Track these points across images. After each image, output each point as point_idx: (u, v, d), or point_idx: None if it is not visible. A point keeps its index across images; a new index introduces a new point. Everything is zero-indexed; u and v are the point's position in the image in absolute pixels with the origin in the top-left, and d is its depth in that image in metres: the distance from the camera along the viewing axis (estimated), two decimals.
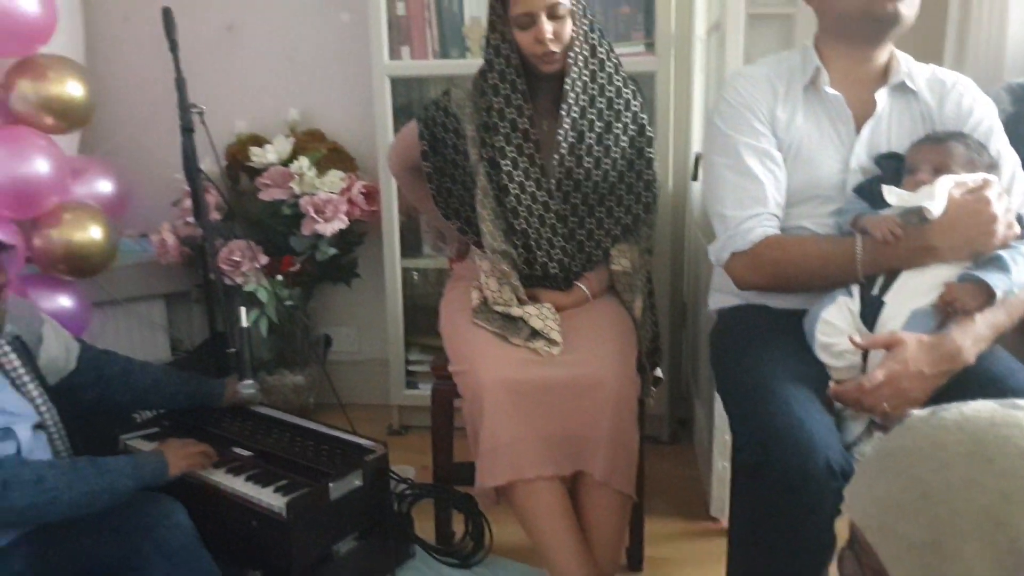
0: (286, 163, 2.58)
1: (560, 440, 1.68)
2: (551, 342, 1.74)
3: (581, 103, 1.79)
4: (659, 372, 1.99)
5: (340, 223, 2.53)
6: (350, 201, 2.57)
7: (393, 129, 2.52)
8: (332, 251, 2.60)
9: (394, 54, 2.52)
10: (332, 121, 2.79)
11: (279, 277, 2.55)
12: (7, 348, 1.64)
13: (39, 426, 1.64)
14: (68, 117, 2.37)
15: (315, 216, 2.50)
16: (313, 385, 2.73)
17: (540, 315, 1.77)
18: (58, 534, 1.57)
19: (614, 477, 1.67)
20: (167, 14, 2.12)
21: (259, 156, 2.59)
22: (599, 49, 1.80)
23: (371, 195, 2.63)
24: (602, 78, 1.81)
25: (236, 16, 2.82)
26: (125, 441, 1.88)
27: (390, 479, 1.81)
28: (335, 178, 2.56)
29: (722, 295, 1.68)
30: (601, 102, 1.81)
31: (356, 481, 1.69)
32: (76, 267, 2.38)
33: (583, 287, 1.88)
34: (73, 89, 2.35)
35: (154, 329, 2.80)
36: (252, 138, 2.70)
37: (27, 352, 1.69)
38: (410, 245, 2.69)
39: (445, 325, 1.93)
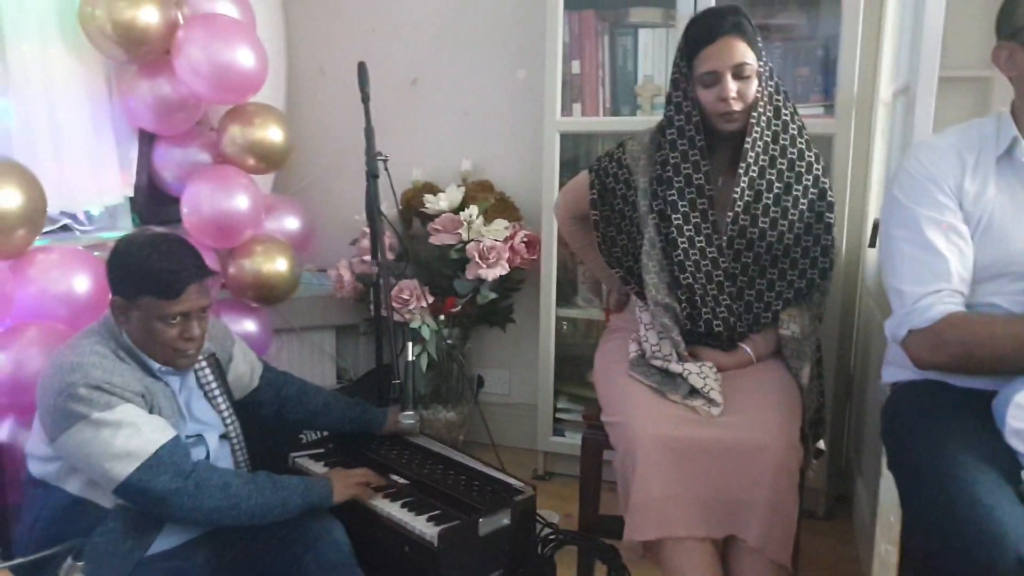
0: (456, 210, 2.72)
1: (714, 502, 1.63)
2: (711, 402, 1.71)
3: (761, 163, 1.78)
4: (821, 444, 1.90)
5: (502, 269, 2.62)
6: (512, 249, 2.66)
7: (559, 182, 2.60)
8: (492, 295, 2.69)
9: (565, 110, 2.62)
10: (500, 172, 2.91)
11: (442, 317, 2.67)
12: (204, 364, 1.81)
13: (224, 436, 1.80)
14: (268, 159, 2.61)
15: (479, 261, 2.61)
16: (464, 422, 2.81)
17: (701, 373, 1.75)
18: (234, 537, 1.70)
19: (770, 546, 1.60)
20: (362, 68, 2.32)
21: (432, 203, 2.74)
22: (783, 111, 1.79)
23: (532, 244, 2.71)
24: (784, 139, 1.79)
25: (421, 71, 3.02)
26: (294, 458, 2.00)
27: (536, 522, 1.82)
28: (500, 226, 2.67)
29: (898, 368, 1.59)
30: (782, 163, 1.79)
31: (504, 520, 1.71)
32: (262, 295, 2.60)
33: (747, 349, 1.85)
34: (274, 134, 2.59)
35: (323, 357, 2.99)
36: (427, 186, 2.87)
37: (219, 368, 1.86)
38: (564, 295, 2.74)
39: (599, 375, 1.94)
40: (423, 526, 1.65)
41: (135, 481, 1.50)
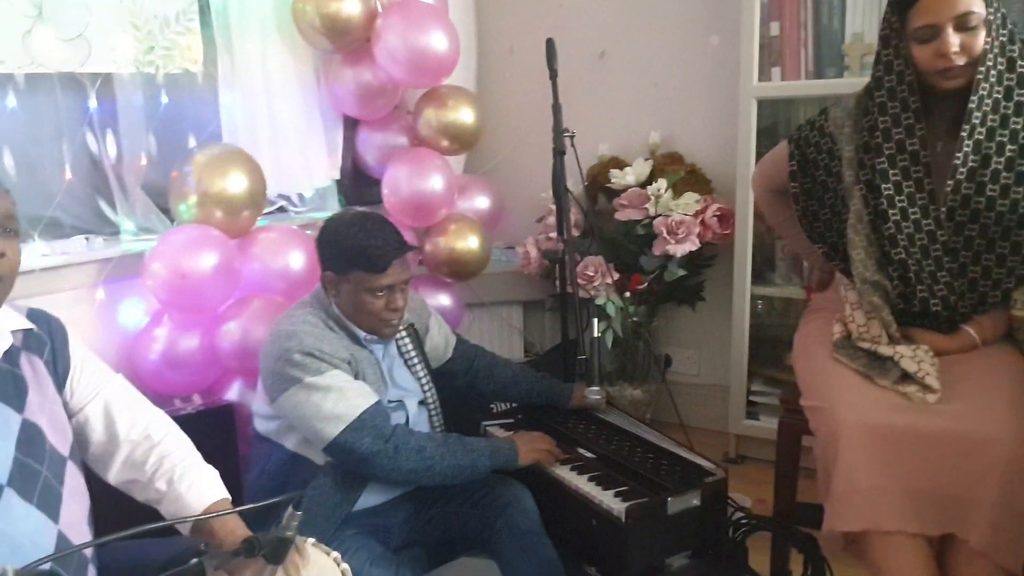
0: (643, 184, 2.66)
1: (929, 496, 1.49)
2: (926, 388, 1.56)
3: (990, 123, 1.58)
4: None
5: (691, 245, 2.54)
6: (703, 223, 2.57)
7: (756, 152, 2.47)
8: (680, 272, 2.62)
9: (763, 75, 2.48)
10: (692, 144, 2.81)
11: (627, 294, 2.64)
12: (404, 334, 1.92)
13: (422, 403, 1.89)
14: (461, 140, 2.70)
15: (667, 237, 2.55)
16: (651, 401, 2.77)
17: (914, 357, 1.60)
18: (431, 499, 1.80)
19: (998, 549, 1.44)
20: (550, 44, 2.32)
21: (618, 178, 2.70)
22: (1020, 63, 1.58)
23: (725, 218, 2.60)
24: (1021, 95, 1.58)
25: (608, 43, 2.98)
26: (485, 426, 2.07)
27: (728, 505, 1.76)
28: (690, 200, 2.58)
29: None
30: (1016, 123, 1.58)
31: (694, 500, 1.67)
32: (456, 271, 2.70)
33: (971, 331, 1.66)
34: (466, 116, 2.67)
35: (511, 332, 3.07)
36: (613, 160, 2.83)
37: (418, 338, 1.96)
38: (760, 272, 2.61)
39: (799, 357, 1.83)
40: (610, 501, 1.65)
41: (341, 442, 1.62)
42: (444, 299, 2.74)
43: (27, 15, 1.85)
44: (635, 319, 2.67)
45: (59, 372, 1.37)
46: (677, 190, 2.62)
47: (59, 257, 1.99)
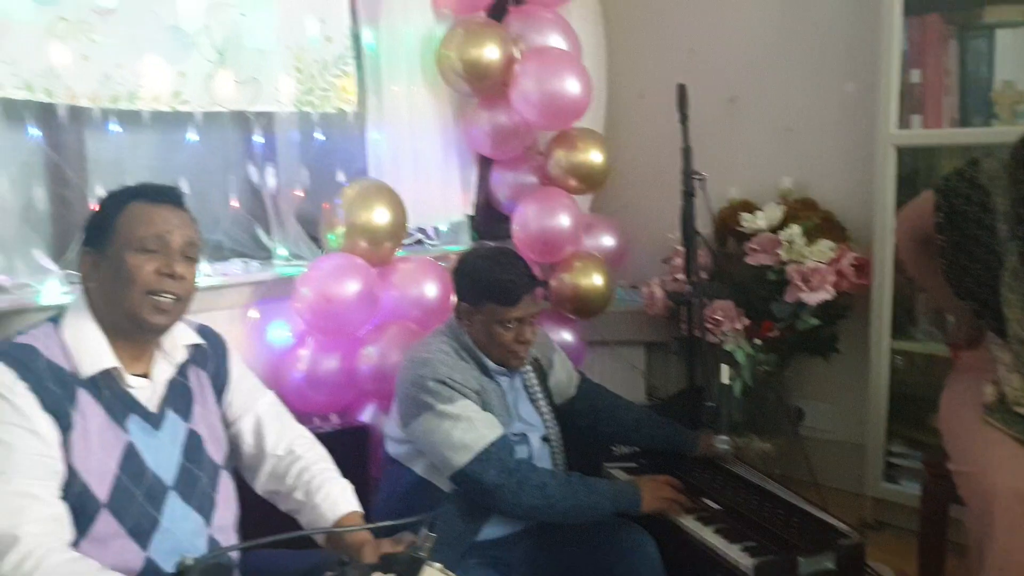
0: (775, 230, 2.62)
1: None
2: None
3: None
4: None
5: (826, 294, 2.46)
6: (838, 272, 2.49)
7: (895, 201, 2.39)
8: (814, 321, 2.54)
9: (903, 123, 2.40)
10: (826, 190, 2.74)
11: (757, 341, 2.58)
12: (529, 368, 1.96)
13: (545, 439, 1.92)
14: (589, 180, 2.76)
15: (800, 284, 2.48)
16: (780, 456, 2.67)
17: None
18: (552, 536, 1.81)
19: None
20: (682, 90, 2.33)
21: (749, 222, 2.66)
22: None
23: (862, 268, 2.51)
24: None
25: (739, 88, 2.96)
26: (607, 468, 2.07)
27: (866, 574, 1.68)
28: (825, 247, 2.51)
29: None
30: None
31: (827, 563, 1.60)
32: (579, 308, 2.73)
33: None
34: (595, 157, 2.73)
35: (633, 373, 3.05)
36: (743, 204, 2.80)
37: (542, 373, 1.99)
38: (900, 326, 2.50)
39: (947, 419, 1.74)
40: (737, 555, 1.61)
41: (468, 471, 1.66)
42: (567, 335, 2.77)
43: (210, 60, 2.05)
44: (765, 368, 2.60)
45: (219, 385, 1.49)
46: (810, 237, 2.55)
47: (220, 278, 2.17)
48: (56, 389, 1.24)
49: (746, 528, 1.70)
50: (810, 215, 2.64)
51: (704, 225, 2.47)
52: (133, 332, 1.33)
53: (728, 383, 2.10)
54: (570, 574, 1.79)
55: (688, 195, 2.29)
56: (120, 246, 1.30)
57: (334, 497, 1.47)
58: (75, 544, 1.22)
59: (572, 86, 2.57)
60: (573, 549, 1.79)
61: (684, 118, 2.32)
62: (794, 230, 2.55)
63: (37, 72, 1.74)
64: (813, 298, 2.47)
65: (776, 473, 2.65)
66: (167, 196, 1.37)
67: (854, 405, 2.64)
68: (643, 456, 2.13)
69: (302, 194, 2.38)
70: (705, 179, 2.29)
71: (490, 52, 2.56)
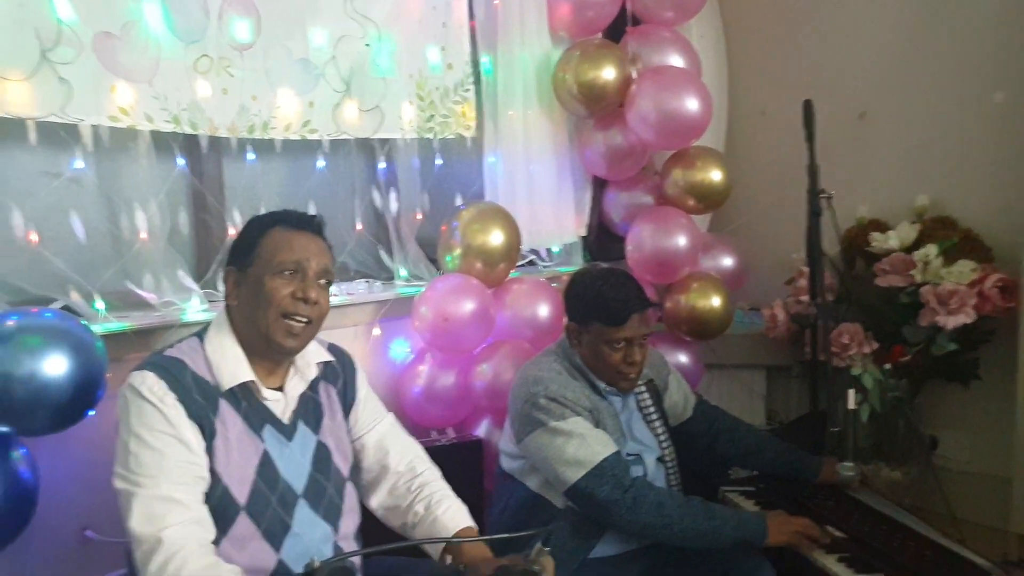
0: (908, 249, 2.48)
1: None
2: None
3: None
4: None
5: (966, 317, 2.30)
6: (981, 294, 2.32)
7: None
8: (952, 346, 2.38)
9: None
10: (968, 208, 2.57)
11: (887, 366, 2.44)
12: (643, 388, 1.94)
13: (660, 459, 1.89)
14: (707, 200, 2.71)
15: (937, 307, 2.33)
16: (911, 485, 2.51)
17: None
18: (667, 557, 1.77)
19: None
20: (808, 106, 2.26)
21: (879, 241, 2.54)
22: None
23: (1008, 290, 2.33)
24: None
25: (870, 103, 2.84)
26: (724, 492, 2.02)
27: None
28: (965, 268, 2.35)
29: None
30: None
31: None
32: (696, 330, 2.68)
33: None
34: (714, 176, 2.69)
35: (752, 397, 2.96)
36: (873, 223, 2.67)
37: (657, 394, 1.97)
38: None
39: None
40: None
41: (581, 487, 1.66)
42: (683, 358, 2.73)
43: (337, 90, 2.17)
44: (896, 394, 2.45)
45: (347, 402, 1.57)
46: (948, 257, 2.40)
47: (345, 297, 2.28)
48: (201, 399, 1.34)
49: (873, 559, 1.61)
50: (948, 234, 2.48)
51: (831, 245, 2.39)
52: (267, 352, 1.41)
53: (854, 408, 2.00)
54: None
55: (814, 214, 2.22)
56: (261, 268, 1.39)
57: (454, 511, 1.52)
58: (216, 543, 1.30)
59: (691, 104, 2.55)
60: (688, 571, 1.75)
61: (810, 135, 2.25)
62: (930, 250, 2.41)
63: (183, 106, 1.88)
64: (951, 321, 2.31)
65: (906, 503, 2.50)
66: (308, 224, 1.45)
67: (997, 435, 2.44)
68: (762, 480, 2.06)
69: (421, 217, 2.47)
70: (832, 197, 2.21)
71: (607, 73, 2.57)
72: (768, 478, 2.04)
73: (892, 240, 2.52)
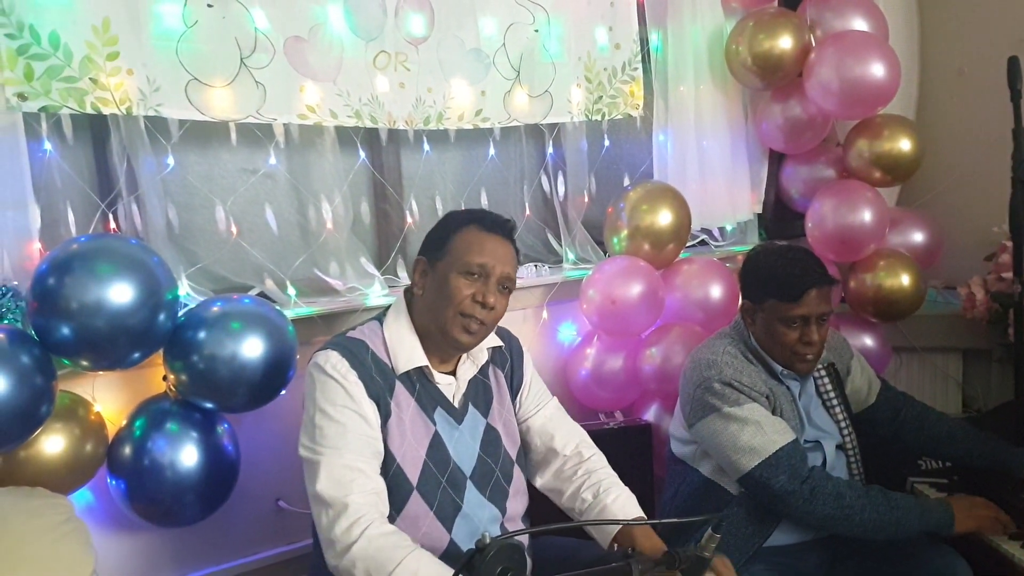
0: None
1: None
2: None
3: None
4: None
5: None
6: None
7: None
8: None
9: None
10: None
11: None
12: (823, 372, 1.85)
13: (840, 447, 1.81)
14: (895, 171, 2.53)
15: None
16: None
17: None
18: (848, 549, 1.70)
19: None
20: (1013, 62, 2.05)
21: None
22: None
23: None
24: None
25: None
26: (912, 483, 1.90)
27: None
28: None
29: None
30: None
31: None
32: (883, 311, 2.52)
33: None
34: (903, 145, 2.50)
35: (947, 382, 2.74)
36: None
37: (838, 379, 1.88)
38: None
39: None
40: None
41: (756, 476, 1.62)
42: (868, 340, 2.57)
43: (507, 77, 2.22)
44: None
45: (514, 385, 1.62)
46: None
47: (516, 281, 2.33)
48: (379, 380, 1.42)
49: None
50: None
51: None
52: (441, 343, 1.47)
53: None
54: None
55: (1020, 183, 2.02)
56: (449, 265, 1.45)
57: (623, 501, 1.51)
58: (391, 520, 1.38)
59: (876, 70, 2.37)
60: (873, 564, 1.67)
61: (1017, 95, 2.04)
62: None
63: (364, 101, 1.99)
64: None
65: None
66: (501, 228, 1.49)
67: None
68: (956, 472, 1.92)
69: (587, 200, 2.48)
70: None
71: (783, 42, 2.46)
72: (963, 470, 1.90)
73: None
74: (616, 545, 1.44)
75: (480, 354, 1.56)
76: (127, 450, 1.64)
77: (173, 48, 1.72)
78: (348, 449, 1.34)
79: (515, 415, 1.61)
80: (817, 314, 1.68)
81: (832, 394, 1.84)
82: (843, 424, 1.82)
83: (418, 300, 1.50)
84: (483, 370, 1.57)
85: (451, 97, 2.13)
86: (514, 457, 1.57)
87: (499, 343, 1.61)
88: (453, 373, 1.52)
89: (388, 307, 1.55)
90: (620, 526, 1.44)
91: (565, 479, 1.58)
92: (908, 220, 2.67)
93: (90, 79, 1.62)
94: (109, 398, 1.74)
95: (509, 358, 1.62)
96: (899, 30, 2.73)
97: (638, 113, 2.51)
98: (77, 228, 1.73)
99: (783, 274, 1.68)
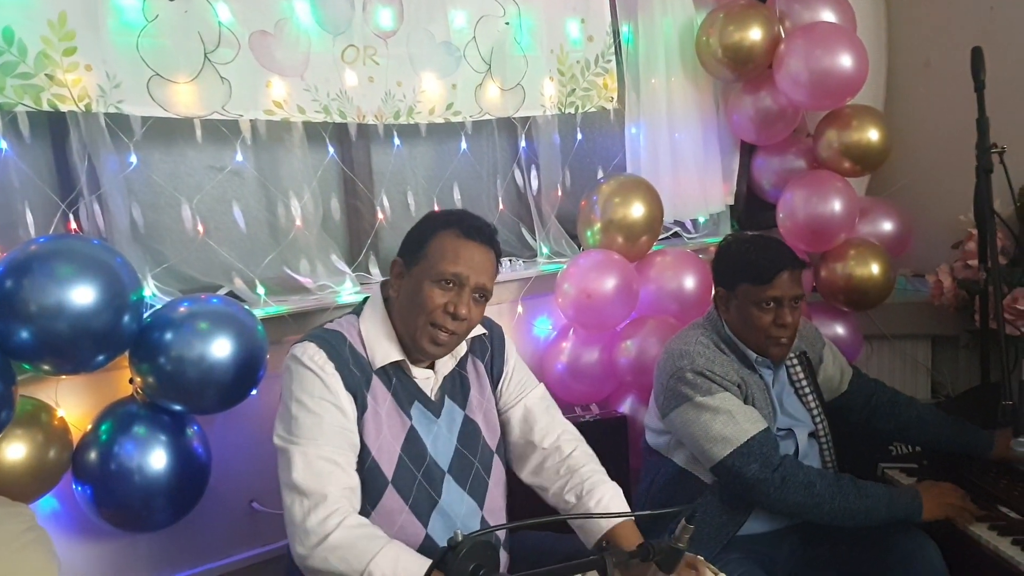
0: None
1: None
2: None
3: None
4: None
5: None
6: None
7: None
8: None
9: None
10: None
11: None
12: (795, 361, 1.87)
13: (812, 435, 1.83)
14: (864, 161, 2.55)
15: None
16: None
17: None
18: (820, 535, 1.72)
19: None
20: (977, 54, 2.08)
21: None
22: None
23: None
24: None
25: None
26: (883, 468, 1.92)
27: None
28: None
29: None
30: None
31: None
32: (853, 300, 2.54)
33: None
34: (872, 135, 2.52)
35: (917, 368, 2.78)
36: None
37: (810, 367, 1.90)
38: None
39: None
40: None
41: (728, 464, 1.63)
42: (839, 329, 2.60)
43: (479, 71, 2.20)
44: None
45: (495, 374, 1.60)
46: None
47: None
48: (357, 372, 1.41)
49: None
50: None
51: (1003, 205, 2.20)
52: (411, 348, 1.45)
53: None
54: (842, 573, 1.69)
55: (984, 171, 2.06)
56: (423, 271, 1.42)
57: (606, 502, 1.48)
58: (366, 514, 1.37)
59: (844, 61, 2.38)
60: (844, 549, 1.69)
61: (980, 86, 2.08)
62: None
63: (332, 96, 1.96)
64: None
65: None
66: (479, 233, 1.45)
67: None
68: (925, 457, 1.95)
69: (560, 194, 2.47)
70: (1004, 152, 2.05)
71: (753, 34, 2.46)
72: (932, 454, 1.93)
73: None
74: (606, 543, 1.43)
75: (460, 348, 1.53)
76: (93, 455, 1.61)
77: (133, 43, 1.68)
78: (325, 440, 1.34)
79: (496, 405, 1.59)
80: (790, 296, 1.69)
81: (804, 383, 1.86)
82: (815, 412, 1.84)
83: (393, 301, 1.48)
84: (461, 362, 1.55)
85: (421, 91, 2.11)
86: (494, 448, 1.55)
87: (481, 331, 1.58)
88: (431, 366, 1.50)
89: (366, 299, 1.52)
90: (604, 530, 1.43)
91: (547, 476, 1.56)
92: (877, 209, 2.69)
93: (46, 75, 1.57)
94: (73, 402, 1.70)
95: (490, 347, 1.60)
96: (867, 22, 2.75)
97: (612, 105, 2.50)
98: (36, 229, 1.68)
99: (755, 258, 1.70)
